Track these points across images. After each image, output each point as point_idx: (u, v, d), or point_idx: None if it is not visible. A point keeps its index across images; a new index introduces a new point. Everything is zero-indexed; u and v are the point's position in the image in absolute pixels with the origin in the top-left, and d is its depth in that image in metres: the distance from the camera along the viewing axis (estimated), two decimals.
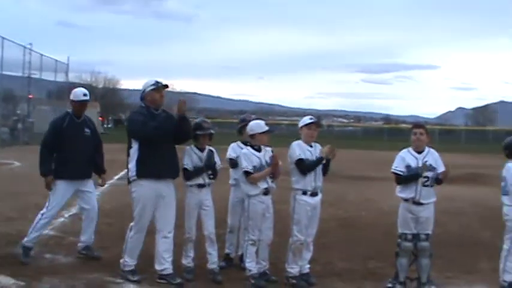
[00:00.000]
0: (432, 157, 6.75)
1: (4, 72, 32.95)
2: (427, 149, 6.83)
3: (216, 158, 7.07)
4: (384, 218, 10.90)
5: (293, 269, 6.81)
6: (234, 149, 7.36)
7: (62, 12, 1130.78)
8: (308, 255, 6.94)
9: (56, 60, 43.58)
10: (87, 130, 7.61)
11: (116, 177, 15.51)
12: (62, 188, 7.44)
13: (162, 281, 6.65)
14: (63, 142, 7.37)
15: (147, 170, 6.53)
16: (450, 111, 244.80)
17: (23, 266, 7.11)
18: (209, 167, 6.93)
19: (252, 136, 6.88)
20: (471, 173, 19.51)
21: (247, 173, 6.73)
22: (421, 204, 6.66)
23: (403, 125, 75.28)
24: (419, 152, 6.77)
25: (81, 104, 7.57)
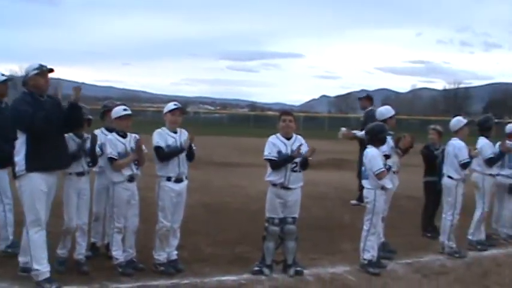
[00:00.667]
0: (300, 143, 6.88)
1: None
2: (294, 135, 6.98)
3: (94, 145, 6.82)
4: (250, 204, 11.08)
5: (160, 256, 6.76)
6: (99, 136, 7.13)
7: None
8: (175, 241, 6.89)
9: None
10: None
11: None
12: None
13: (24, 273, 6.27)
14: None
15: (37, 163, 6.01)
16: (314, 99, 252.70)
17: None
18: (87, 153, 6.66)
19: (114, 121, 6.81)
20: (334, 158, 20.20)
21: (111, 160, 6.61)
22: (289, 188, 6.80)
23: (269, 112, 76.66)
24: (288, 139, 6.89)
25: None
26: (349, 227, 9.18)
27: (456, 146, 8.12)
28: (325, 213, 10.90)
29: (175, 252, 6.91)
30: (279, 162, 6.75)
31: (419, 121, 54.63)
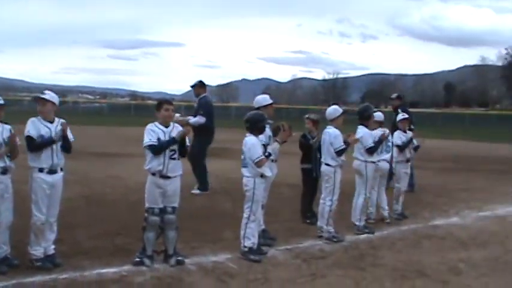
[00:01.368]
0: (177, 130, 6.90)
1: None
2: (172, 123, 6.99)
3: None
4: (130, 194, 10.97)
5: (37, 251, 6.54)
6: None
7: None
8: (52, 235, 6.68)
9: None
10: None
11: None
12: None
13: None
14: None
15: None
16: None
17: None
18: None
19: None
20: (216, 147, 20.28)
21: None
22: (169, 177, 6.79)
23: (150, 102, 75.93)
24: (166, 127, 6.88)
25: None
26: (230, 215, 9.29)
27: (332, 134, 8.38)
28: (206, 202, 10.94)
29: (53, 246, 6.69)
30: (162, 144, 6.72)
31: (299, 110, 56.11)
